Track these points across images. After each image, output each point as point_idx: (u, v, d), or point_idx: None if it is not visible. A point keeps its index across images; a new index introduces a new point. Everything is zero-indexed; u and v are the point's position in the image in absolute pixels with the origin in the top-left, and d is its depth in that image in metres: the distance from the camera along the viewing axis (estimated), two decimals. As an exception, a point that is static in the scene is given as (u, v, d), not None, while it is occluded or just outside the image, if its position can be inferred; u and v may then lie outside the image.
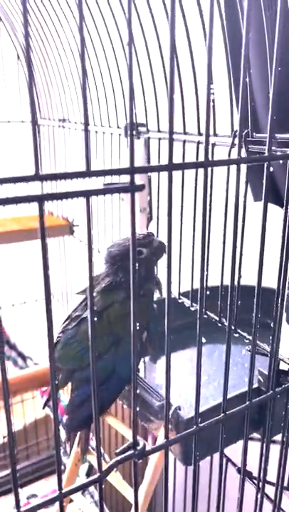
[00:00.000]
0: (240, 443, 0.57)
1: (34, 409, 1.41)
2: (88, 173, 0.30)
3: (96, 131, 0.91)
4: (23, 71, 1.21)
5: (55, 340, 0.69)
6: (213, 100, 0.62)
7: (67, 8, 0.89)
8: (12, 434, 0.32)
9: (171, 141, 0.33)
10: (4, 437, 1.44)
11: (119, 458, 0.38)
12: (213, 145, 0.60)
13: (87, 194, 0.30)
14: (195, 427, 0.43)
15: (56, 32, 0.99)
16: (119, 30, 0.77)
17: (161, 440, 0.61)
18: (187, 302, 0.74)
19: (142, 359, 0.76)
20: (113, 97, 0.86)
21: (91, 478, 0.37)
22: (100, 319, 0.61)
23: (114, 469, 0.89)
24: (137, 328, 0.35)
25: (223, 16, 0.60)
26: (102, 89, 0.88)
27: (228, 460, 0.71)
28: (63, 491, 0.36)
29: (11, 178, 0.27)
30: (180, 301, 0.74)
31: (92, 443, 0.72)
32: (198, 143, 0.64)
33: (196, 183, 0.65)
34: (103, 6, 0.77)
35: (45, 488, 1.25)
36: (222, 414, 0.45)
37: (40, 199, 0.28)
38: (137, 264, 0.34)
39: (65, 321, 0.68)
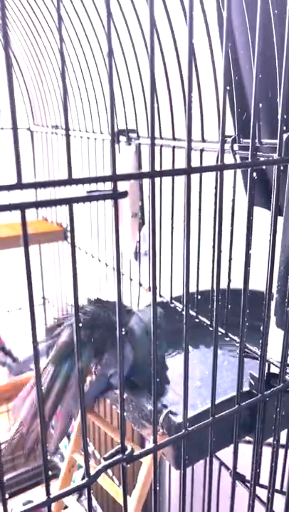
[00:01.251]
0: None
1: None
2: (70, 181, 0.30)
3: (88, 138, 0.92)
4: (15, 78, 1.22)
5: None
6: (201, 106, 0.62)
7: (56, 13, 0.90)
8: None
9: (153, 148, 0.34)
10: (1, 444, 1.44)
11: (107, 462, 0.38)
12: (202, 151, 0.61)
13: (69, 201, 0.31)
14: (184, 430, 0.43)
15: (48, 40, 1.00)
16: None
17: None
18: (179, 306, 0.75)
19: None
20: (103, 102, 0.87)
21: (79, 483, 0.38)
22: None
23: (111, 475, 0.89)
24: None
25: (207, 17, 0.61)
26: (93, 95, 0.89)
27: (222, 463, 0.71)
28: (51, 496, 0.36)
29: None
30: (172, 305, 0.75)
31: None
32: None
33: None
34: (92, 14, 0.78)
35: (40, 494, 1.25)
36: (211, 418, 0.45)
37: (23, 207, 0.29)
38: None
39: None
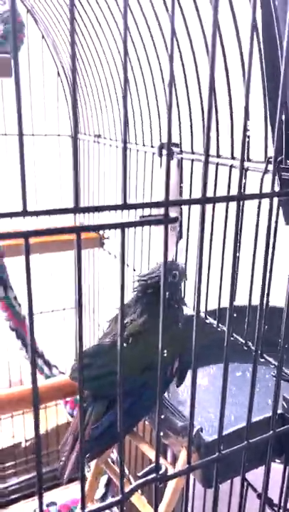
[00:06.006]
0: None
1: (56, 416, 1.43)
2: (126, 206, 0.31)
3: (130, 149, 0.93)
4: (62, 87, 1.24)
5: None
6: (248, 126, 0.62)
7: (106, 25, 0.91)
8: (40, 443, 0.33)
9: (206, 173, 0.34)
10: (27, 441, 1.47)
11: (141, 481, 0.39)
12: (246, 170, 0.61)
13: (123, 226, 0.31)
14: (218, 453, 0.43)
15: (95, 49, 1.01)
16: (157, 52, 0.79)
17: (181, 463, 0.62)
18: (213, 322, 0.74)
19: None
20: (148, 115, 0.87)
21: (113, 499, 0.38)
22: (137, 344, 0.62)
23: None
24: (165, 354, 0.36)
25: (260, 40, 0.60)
26: (138, 107, 0.90)
27: (249, 484, 0.71)
28: (86, 511, 0.36)
29: (52, 210, 0.29)
30: (207, 321, 0.74)
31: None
32: (231, 166, 0.64)
33: (227, 205, 0.65)
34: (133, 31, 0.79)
35: (64, 496, 1.26)
36: (245, 442, 0.45)
37: (78, 230, 0.30)
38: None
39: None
